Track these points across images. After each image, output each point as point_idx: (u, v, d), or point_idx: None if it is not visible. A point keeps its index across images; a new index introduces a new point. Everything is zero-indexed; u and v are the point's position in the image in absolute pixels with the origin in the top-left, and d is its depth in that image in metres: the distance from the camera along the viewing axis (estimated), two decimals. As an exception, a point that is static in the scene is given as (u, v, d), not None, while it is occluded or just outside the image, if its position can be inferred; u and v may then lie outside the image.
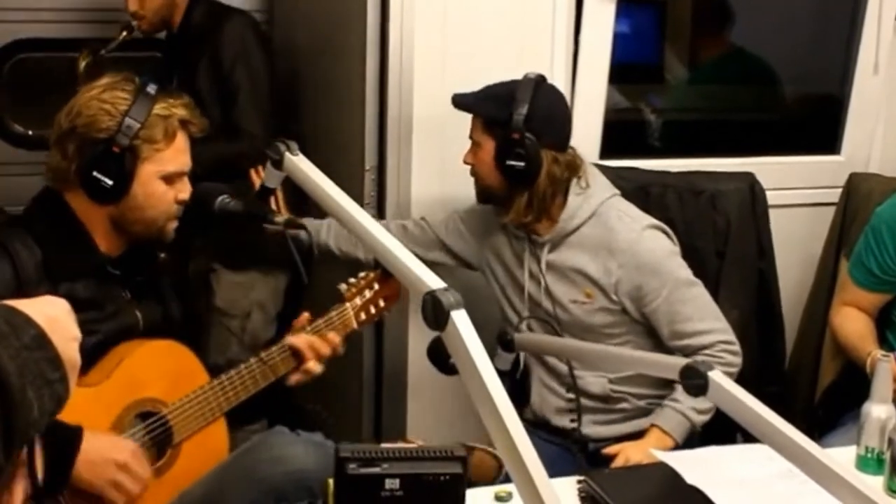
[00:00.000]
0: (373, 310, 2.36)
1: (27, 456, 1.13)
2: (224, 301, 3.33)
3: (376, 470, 1.63)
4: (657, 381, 2.53)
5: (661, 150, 3.44)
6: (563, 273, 2.56)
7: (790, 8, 3.61)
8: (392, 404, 3.09)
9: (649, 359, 2.08)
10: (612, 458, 2.40)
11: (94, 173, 2.04)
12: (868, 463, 2.10)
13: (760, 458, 1.94)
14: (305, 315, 2.27)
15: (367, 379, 3.13)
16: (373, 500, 1.63)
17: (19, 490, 1.15)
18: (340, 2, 3.14)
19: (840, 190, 3.12)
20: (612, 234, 2.51)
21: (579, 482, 1.98)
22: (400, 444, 1.82)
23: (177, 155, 2.11)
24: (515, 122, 2.44)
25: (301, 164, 1.88)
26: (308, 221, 2.65)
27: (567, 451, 2.51)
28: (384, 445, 1.79)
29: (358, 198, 2.90)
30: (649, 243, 2.51)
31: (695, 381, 1.59)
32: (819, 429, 2.78)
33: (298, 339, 2.21)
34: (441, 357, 1.98)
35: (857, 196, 3.06)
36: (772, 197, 2.98)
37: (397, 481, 1.63)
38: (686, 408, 2.44)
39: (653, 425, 2.47)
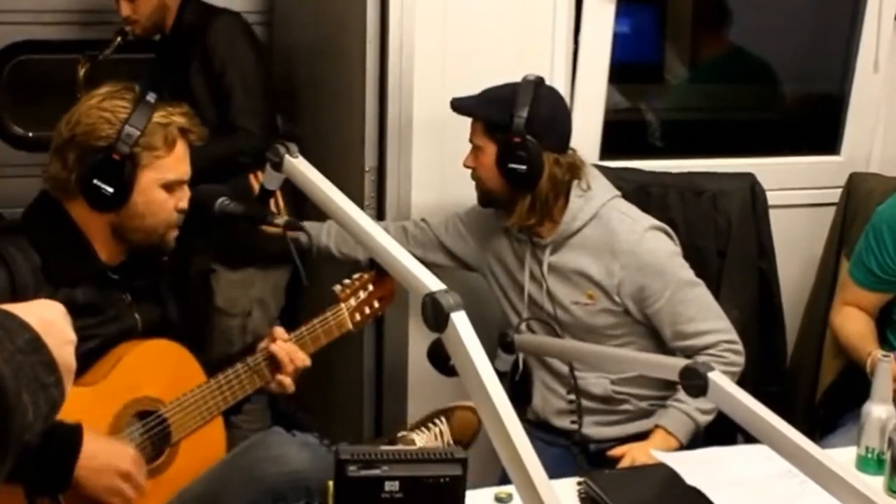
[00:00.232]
0: (368, 310, 2.37)
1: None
2: (224, 300, 3.33)
3: (376, 472, 1.64)
4: (659, 382, 2.52)
5: (661, 150, 3.43)
6: (564, 275, 2.56)
7: (790, 7, 3.60)
8: (392, 404, 3.09)
9: (649, 359, 2.08)
10: (617, 459, 2.39)
11: (95, 181, 2.04)
12: (868, 463, 2.10)
13: (760, 458, 1.93)
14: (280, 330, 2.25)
15: (367, 379, 3.13)
16: (372, 502, 1.63)
17: None
18: (340, 3, 3.14)
19: (840, 190, 3.12)
20: (614, 235, 2.51)
21: (579, 483, 1.98)
22: (399, 446, 1.82)
23: (177, 163, 2.11)
24: (516, 125, 2.43)
25: (300, 166, 1.88)
26: (308, 224, 2.65)
27: (568, 452, 2.51)
28: (383, 448, 1.79)
29: (357, 199, 2.88)
30: (651, 244, 2.51)
31: (694, 382, 1.59)
32: (820, 429, 2.78)
33: (279, 348, 2.20)
34: (441, 359, 1.98)
35: (858, 196, 3.06)
36: (772, 197, 2.97)
37: (397, 483, 1.63)
38: (690, 408, 2.43)
39: (657, 426, 2.46)
